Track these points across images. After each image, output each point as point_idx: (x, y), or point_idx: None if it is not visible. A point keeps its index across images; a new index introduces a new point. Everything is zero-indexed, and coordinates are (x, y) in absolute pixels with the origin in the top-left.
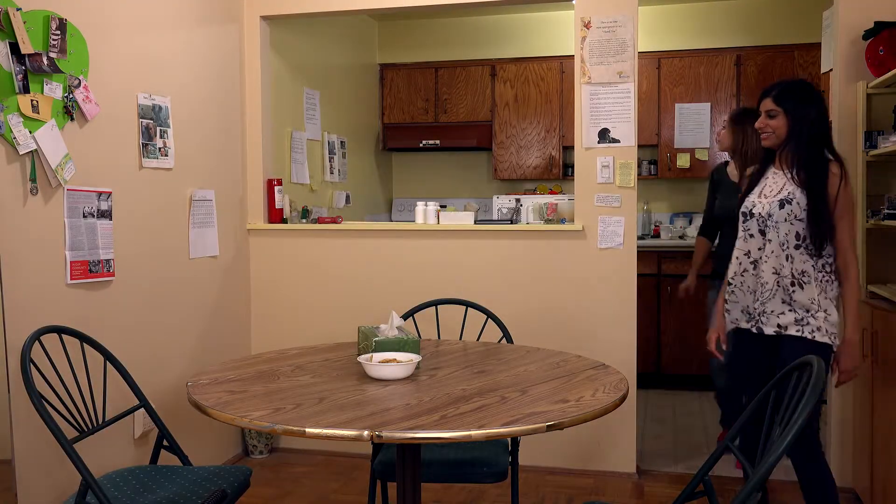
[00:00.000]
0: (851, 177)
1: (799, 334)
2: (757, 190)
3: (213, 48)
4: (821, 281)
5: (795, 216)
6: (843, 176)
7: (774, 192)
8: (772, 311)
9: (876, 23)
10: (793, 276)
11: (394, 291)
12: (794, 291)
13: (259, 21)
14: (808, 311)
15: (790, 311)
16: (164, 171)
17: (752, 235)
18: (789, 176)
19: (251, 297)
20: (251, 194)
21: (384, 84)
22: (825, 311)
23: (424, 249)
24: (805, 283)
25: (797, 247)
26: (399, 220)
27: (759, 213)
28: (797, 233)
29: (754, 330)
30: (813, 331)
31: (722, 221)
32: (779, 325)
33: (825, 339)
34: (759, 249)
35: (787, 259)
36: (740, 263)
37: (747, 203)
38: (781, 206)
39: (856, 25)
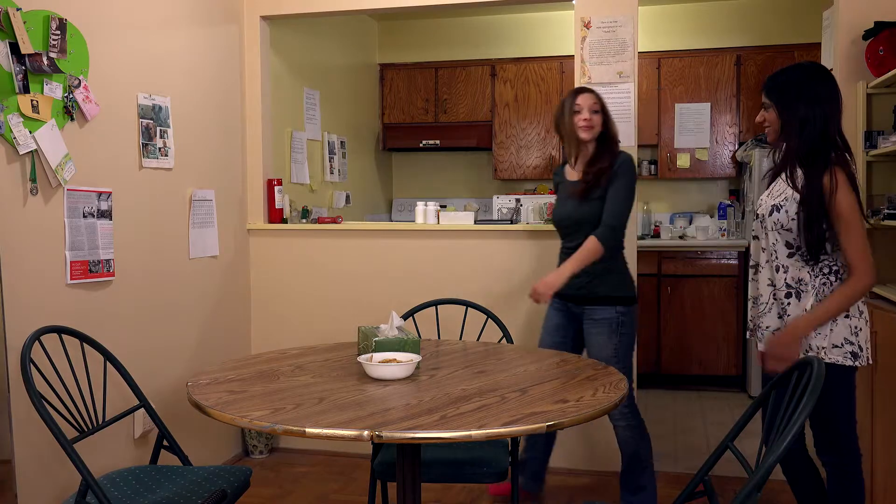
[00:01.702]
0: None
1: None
2: (770, 187)
3: (213, 48)
4: (818, 287)
5: (782, 225)
6: (831, 186)
7: (777, 193)
8: (766, 327)
9: (876, 23)
10: (788, 286)
11: (394, 291)
12: (788, 304)
13: (259, 21)
14: None
15: (778, 330)
16: (164, 171)
17: (755, 238)
18: (786, 178)
19: (251, 297)
20: (251, 194)
21: (384, 84)
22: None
23: (424, 249)
24: (803, 291)
25: (790, 255)
26: (399, 220)
27: (762, 215)
28: (787, 242)
29: (759, 347)
30: (807, 350)
31: (558, 229)
32: None
33: (830, 359)
34: (763, 251)
35: (777, 270)
36: (751, 270)
37: (758, 202)
38: (771, 212)
39: (856, 25)
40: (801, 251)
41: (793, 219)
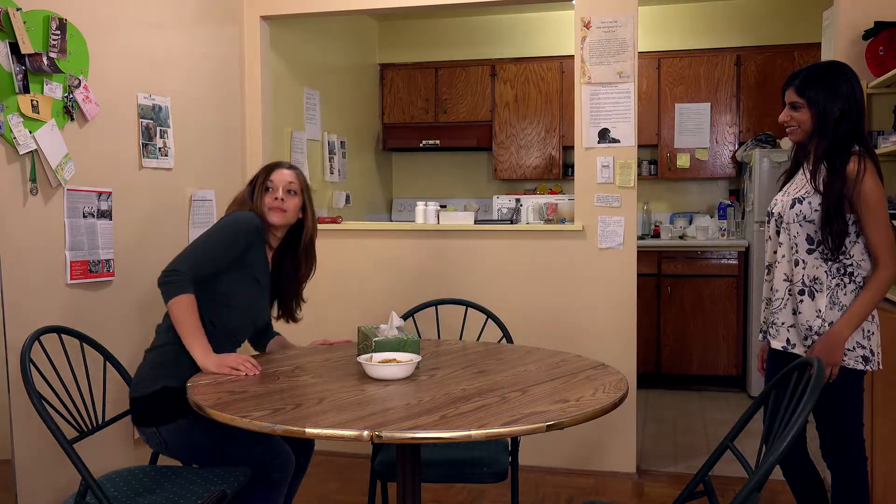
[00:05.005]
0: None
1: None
2: (785, 187)
3: (213, 48)
4: (833, 288)
5: (805, 217)
6: (860, 170)
7: (795, 190)
8: (782, 324)
9: (876, 23)
10: (803, 283)
11: (394, 291)
12: (801, 301)
13: (259, 21)
14: (811, 329)
15: (793, 327)
16: (164, 171)
17: (769, 238)
18: (808, 173)
19: None
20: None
21: (384, 84)
22: (830, 324)
23: (424, 249)
24: (816, 291)
25: (809, 251)
26: (399, 220)
27: (778, 213)
28: (808, 235)
29: (772, 345)
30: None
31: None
32: (787, 341)
33: (842, 362)
34: (774, 253)
35: (797, 264)
36: (765, 270)
37: (772, 202)
38: (792, 205)
39: (856, 25)
40: (822, 247)
41: (816, 210)
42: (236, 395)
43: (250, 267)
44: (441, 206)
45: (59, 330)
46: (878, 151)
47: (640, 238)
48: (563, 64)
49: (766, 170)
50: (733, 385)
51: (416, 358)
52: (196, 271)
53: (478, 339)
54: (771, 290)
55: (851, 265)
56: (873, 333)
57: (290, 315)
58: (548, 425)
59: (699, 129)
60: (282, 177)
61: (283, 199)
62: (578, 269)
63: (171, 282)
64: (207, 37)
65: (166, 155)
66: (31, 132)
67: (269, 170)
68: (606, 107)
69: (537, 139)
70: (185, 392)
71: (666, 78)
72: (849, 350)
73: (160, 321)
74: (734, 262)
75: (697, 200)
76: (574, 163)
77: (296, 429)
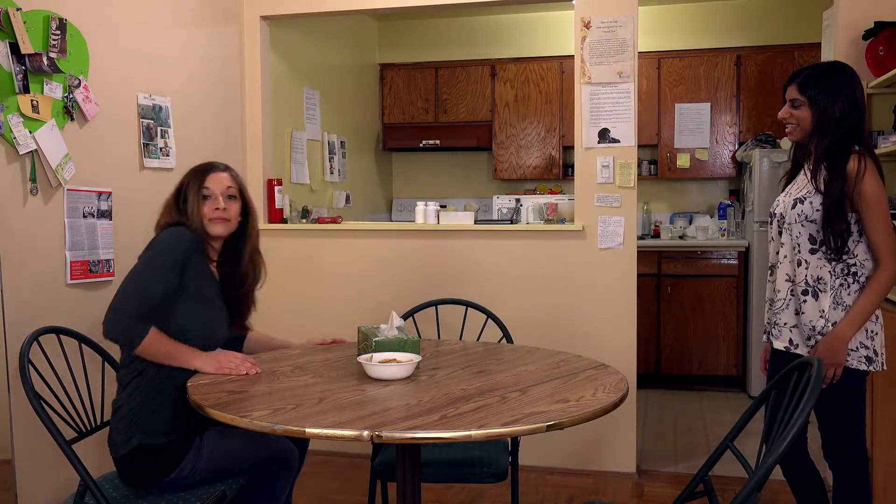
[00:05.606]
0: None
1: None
2: (787, 188)
3: (213, 48)
4: (836, 287)
5: (807, 217)
6: (860, 169)
7: (796, 190)
8: (784, 324)
9: (876, 23)
10: (807, 283)
11: (394, 291)
12: (804, 301)
13: (259, 21)
14: (814, 329)
15: (795, 327)
16: (165, 172)
17: (772, 239)
18: (809, 173)
19: None
20: (251, 194)
21: (384, 84)
22: (833, 324)
23: (424, 249)
24: (820, 291)
25: (812, 251)
26: (399, 220)
27: (780, 214)
28: (811, 235)
29: (774, 345)
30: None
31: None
32: (790, 342)
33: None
34: (777, 254)
35: (799, 264)
36: (768, 271)
37: (774, 203)
38: (794, 205)
39: (856, 25)
40: (825, 247)
41: (817, 210)
42: (236, 395)
43: (194, 283)
44: (441, 206)
45: (58, 330)
46: (878, 151)
47: (640, 238)
48: (563, 64)
49: (766, 170)
50: (733, 385)
51: (416, 358)
52: (142, 306)
53: (478, 339)
54: (774, 290)
55: (855, 265)
56: (877, 334)
57: (240, 325)
58: (548, 425)
59: (699, 129)
60: (219, 182)
61: (224, 208)
62: (578, 269)
63: (121, 332)
64: (207, 37)
65: (167, 155)
66: (31, 132)
67: (201, 174)
68: (606, 107)
69: (537, 139)
70: (160, 449)
71: (666, 78)
72: (852, 350)
73: (120, 368)
74: (734, 262)
75: (697, 200)
76: (574, 163)
77: (296, 429)
